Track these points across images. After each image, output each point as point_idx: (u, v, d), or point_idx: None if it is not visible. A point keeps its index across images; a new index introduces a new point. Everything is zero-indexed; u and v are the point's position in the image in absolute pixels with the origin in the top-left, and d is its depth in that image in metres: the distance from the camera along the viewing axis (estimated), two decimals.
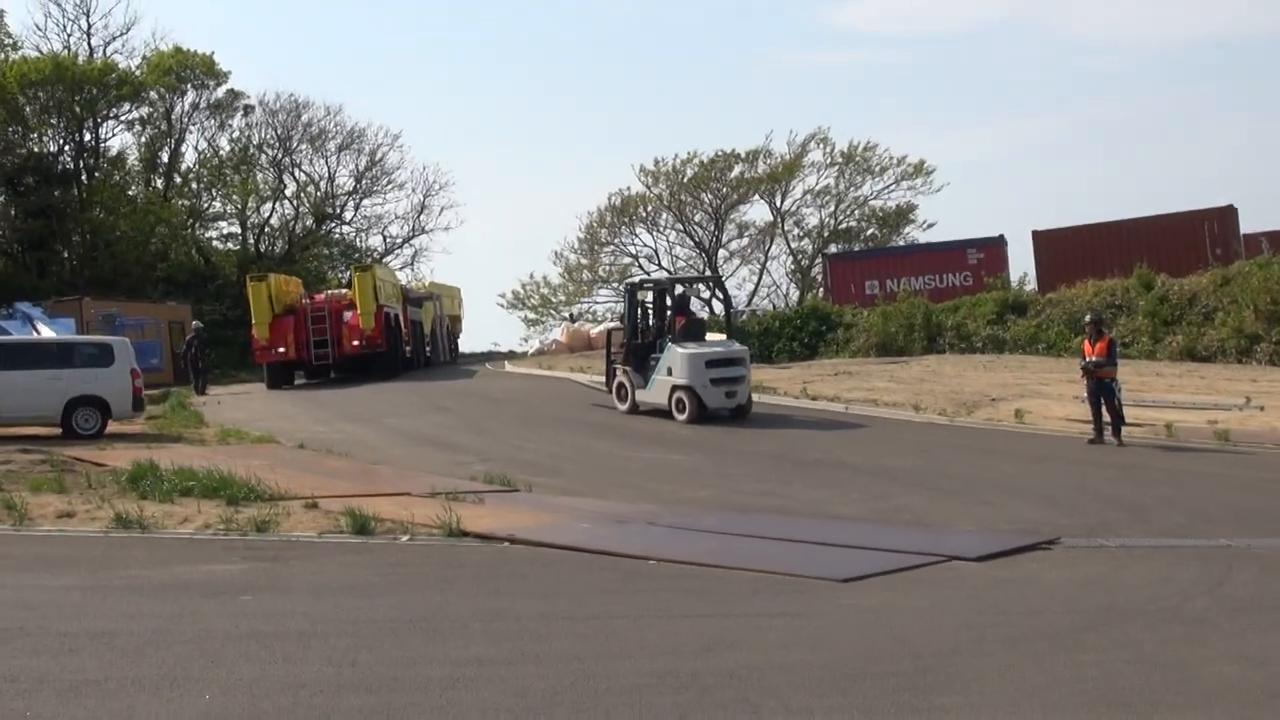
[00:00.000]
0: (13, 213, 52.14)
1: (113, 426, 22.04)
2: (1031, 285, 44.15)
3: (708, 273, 58.87)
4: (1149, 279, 33.73)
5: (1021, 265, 49.82)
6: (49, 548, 12.16)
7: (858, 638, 8.54)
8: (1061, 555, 11.81)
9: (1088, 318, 21.18)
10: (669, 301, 24.38)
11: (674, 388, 23.05)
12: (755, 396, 25.57)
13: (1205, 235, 37.34)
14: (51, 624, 8.74)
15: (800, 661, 7.84)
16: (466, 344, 55.19)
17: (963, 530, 13.20)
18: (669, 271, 65.37)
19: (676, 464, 18.45)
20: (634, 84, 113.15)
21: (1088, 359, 19.64)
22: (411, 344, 39.74)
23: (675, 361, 23.00)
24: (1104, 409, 19.49)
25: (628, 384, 24.33)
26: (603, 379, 26.34)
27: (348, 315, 34.63)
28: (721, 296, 27.83)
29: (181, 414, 25.86)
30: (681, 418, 22.85)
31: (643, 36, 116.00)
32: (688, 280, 30.21)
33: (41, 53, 55.39)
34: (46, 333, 31.95)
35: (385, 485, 16.11)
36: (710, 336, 26.26)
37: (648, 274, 62.85)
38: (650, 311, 24.88)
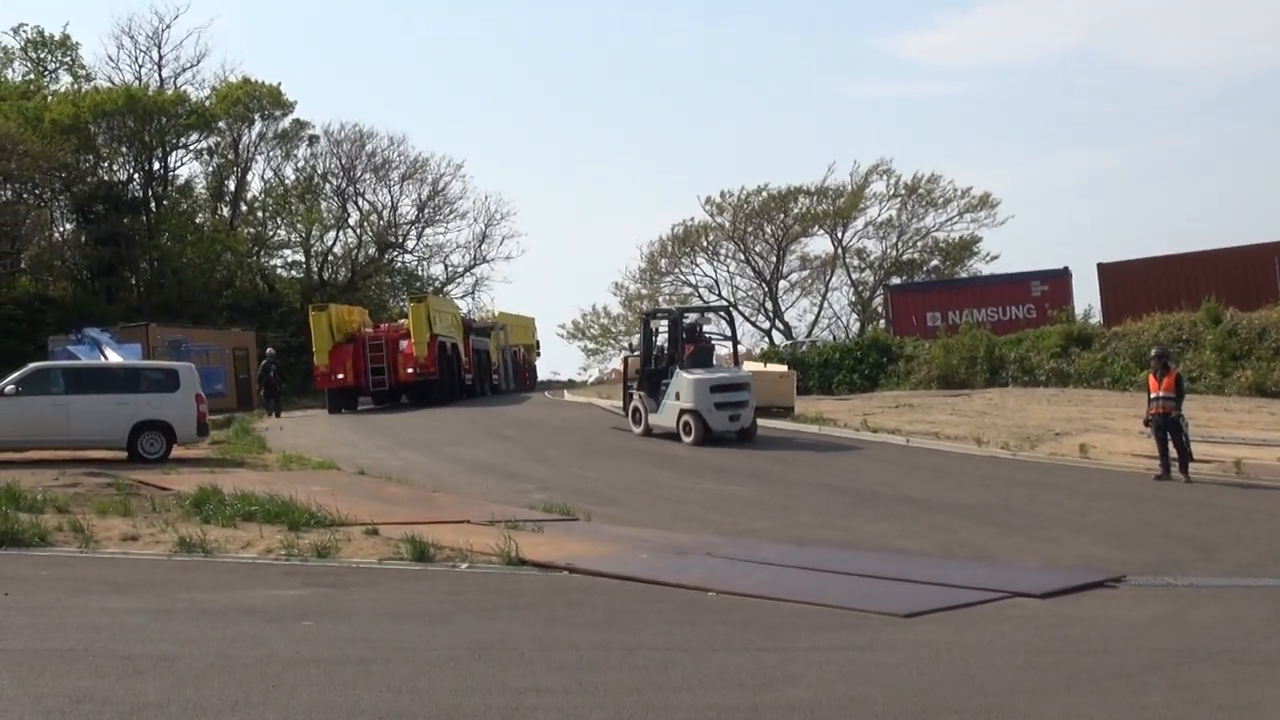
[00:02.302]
0: (83, 240, 53.11)
1: (177, 451, 22.28)
2: (1096, 318, 43.68)
3: (767, 303, 58.81)
4: (1217, 312, 33.22)
5: (1086, 298, 49.39)
6: (114, 570, 12.29)
7: (919, 674, 8.42)
8: (1128, 593, 11.61)
9: (1153, 352, 20.83)
10: (681, 330, 25.49)
11: (681, 411, 24.38)
12: (815, 428, 25.90)
13: (1275, 268, 36.74)
14: (115, 646, 8.82)
15: (861, 697, 7.75)
16: None
17: (1027, 566, 13.01)
18: (729, 301, 65.51)
19: (736, 495, 18.37)
20: (696, 116, 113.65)
21: (1154, 394, 19.34)
22: (473, 372, 40.54)
23: (683, 386, 24.38)
24: (1170, 445, 19.19)
25: (642, 408, 25.71)
26: (621, 404, 27.82)
27: (403, 344, 36.06)
28: (729, 326, 29.78)
29: (245, 439, 26.13)
30: (688, 440, 24.05)
31: (706, 69, 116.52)
32: (697, 309, 31.69)
33: (114, 84, 56.55)
34: (114, 358, 32.38)
35: (445, 513, 16.15)
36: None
37: (708, 304, 63.08)
38: (669, 339, 25.97)
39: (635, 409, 26.01)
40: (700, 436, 23.89)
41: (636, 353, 27.36)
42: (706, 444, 23.67)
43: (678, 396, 24.47)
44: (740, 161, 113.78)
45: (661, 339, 26.39)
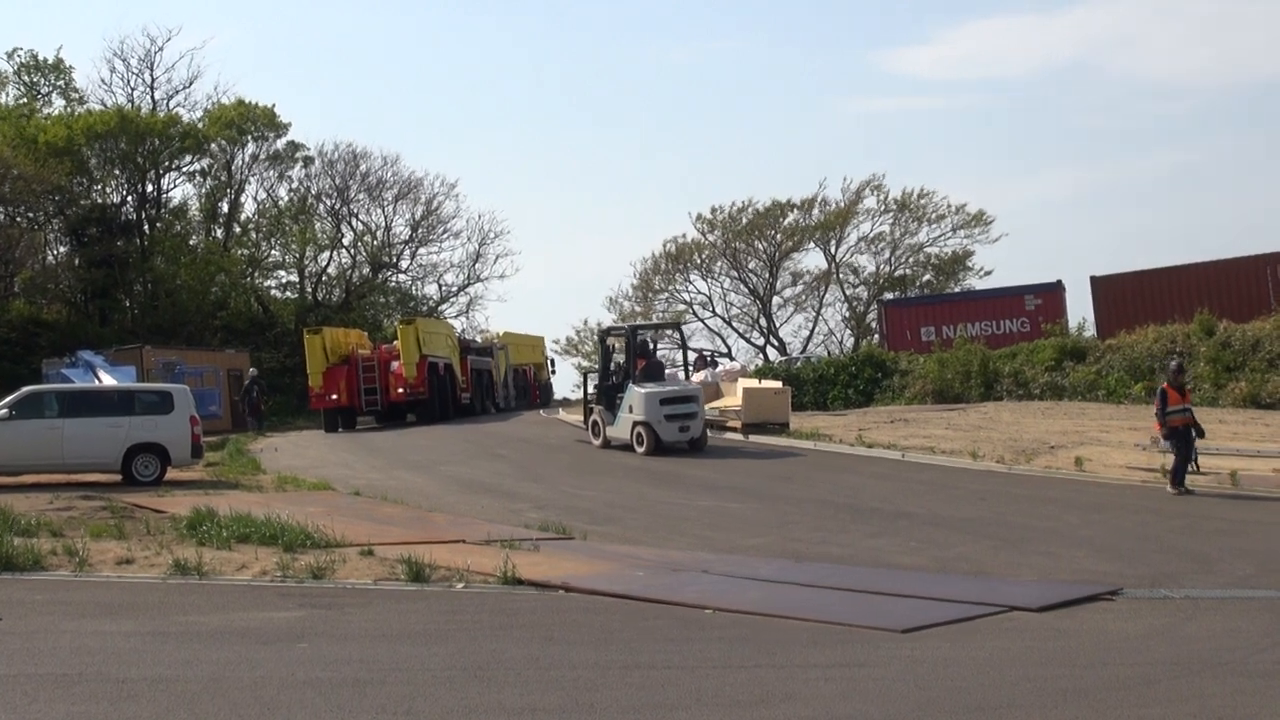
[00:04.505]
0: (76, 262, 53.03)
1: (172, 473, 22.23)
2: (1090, 331, 43.67)
3: (761, 319, 58.77)
4: (1211, 324, 33.23)
5: (1080, 311, 49.37)
6: (108, 594, 12.24)
7: (916, 690, 8.41)
8: (1125, 606, 11.60)
9: (1173, 365, 20.52)
10: (635, 346, 26.48)
11: (634, 423, 25.62)
12: (811, 444, 26.15)
13: (1268, 279, 36.79)
14: (109, 670, 8.78)
15: (858, 713, 7.73)
16: None
17: (1023, 580, 13.00)
18: (723, 318, 65.74)
19: (732, 512, 18.34)
20: (689, 131, 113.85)
21: (1176, 406, 19.26)
22: (472, 391, 41.08)
23: (635, 400, 25.62)
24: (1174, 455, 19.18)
25: (600, 421, 26.90)
26: (582, 418, 28.90)
27: (394, 365, 37.04)
28: (680, 342, 31.46)
29: (239, 461, 26.08)
30: (641, 450, 25.26)
31: (698, 83, 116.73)
32: (650, 327, 33.29)
33: (106, 106, 56.57)
34: (108, 380, 32.37)
35: (441, 532, 16.12)
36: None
37: (703, 321, 63.61)
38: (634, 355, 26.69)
39: (594, 422, 27.14)
40: (652, 447, 25.06)
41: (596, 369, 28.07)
42: (657, 453, 24.88)
43: (631, 409, 25.65)
44: (734, 175, 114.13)
45: (621, 356, 27.28)
